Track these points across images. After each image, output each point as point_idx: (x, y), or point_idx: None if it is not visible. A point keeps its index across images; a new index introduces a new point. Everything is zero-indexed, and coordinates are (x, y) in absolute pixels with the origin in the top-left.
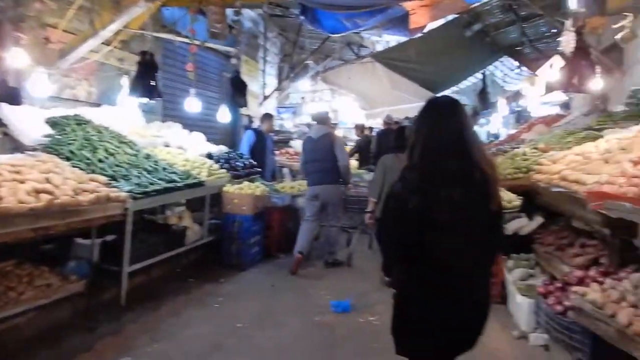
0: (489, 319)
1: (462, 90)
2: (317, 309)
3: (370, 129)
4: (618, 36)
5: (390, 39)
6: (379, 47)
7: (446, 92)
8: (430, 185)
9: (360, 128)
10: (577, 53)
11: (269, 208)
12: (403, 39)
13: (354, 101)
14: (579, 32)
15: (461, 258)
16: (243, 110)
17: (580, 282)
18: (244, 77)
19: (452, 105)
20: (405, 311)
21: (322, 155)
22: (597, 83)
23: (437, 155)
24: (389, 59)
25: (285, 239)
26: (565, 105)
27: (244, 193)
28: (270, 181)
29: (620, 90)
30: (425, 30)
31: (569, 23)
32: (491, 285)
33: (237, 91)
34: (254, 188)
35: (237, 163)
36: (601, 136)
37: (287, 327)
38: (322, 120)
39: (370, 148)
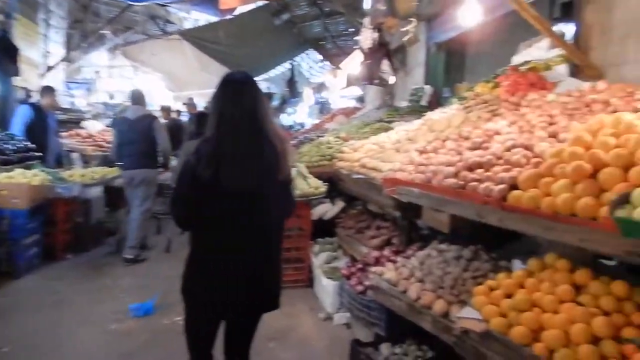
0: (298, 303)
1: (271, 79)
2: (114, 316)
3: (178, 112)
4: (405, 38)
5: (200, 18)
6: (187, 25)
7: (256, 79)
8: (223, 157)
9: (166, 110)
10: (377, 49)
11: (52, 200)
12: (213, 18)
13: (160, 81)
14: (378, 29)
15: (249, 226)
16: (18, 82)
17: (377, 262)
18: (19, 41)
19: (246, 81)
20: (189, 273)
21: (140, 138)
22: (393, 78)
23: (231, 128)
24: (197, 38)
25: (75, 236)
26: (360, 99)
27: (15, 182)
28: (55, 168)
29: (404, 88)
30: (235, 13)
31: (367, 20)
32: (281, 253)
33: (5, 56)
34: (31, 176)
35: (7, 145)
36: (392, 128)
37: (74, 343)
38: (139, 99)
39: (183, 131)
